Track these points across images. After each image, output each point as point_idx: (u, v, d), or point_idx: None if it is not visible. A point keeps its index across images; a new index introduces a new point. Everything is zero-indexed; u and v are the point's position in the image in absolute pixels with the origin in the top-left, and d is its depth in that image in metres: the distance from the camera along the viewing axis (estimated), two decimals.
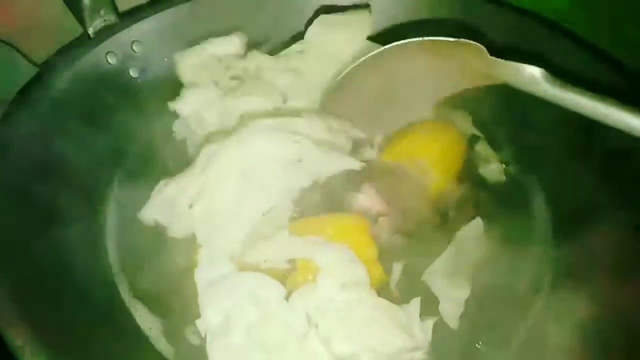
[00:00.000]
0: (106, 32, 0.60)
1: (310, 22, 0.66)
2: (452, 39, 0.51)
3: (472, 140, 0.62)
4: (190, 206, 0.51)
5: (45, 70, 0.59)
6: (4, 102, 0.56)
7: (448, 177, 0.57)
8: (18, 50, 0.64)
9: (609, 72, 0.55)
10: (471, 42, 0.50)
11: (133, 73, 0.63)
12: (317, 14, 0.67)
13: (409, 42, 0.53)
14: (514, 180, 0.60)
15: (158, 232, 0.52)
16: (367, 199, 0.53)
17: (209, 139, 0.56)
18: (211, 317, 0.45)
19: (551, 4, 0.63)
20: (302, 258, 0.47)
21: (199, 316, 0.46)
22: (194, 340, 0.47)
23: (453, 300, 0.49)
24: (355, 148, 0.57)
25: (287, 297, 0.45)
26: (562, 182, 0.56)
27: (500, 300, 0.49)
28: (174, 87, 0.61)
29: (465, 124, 0.63)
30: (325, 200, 0.53)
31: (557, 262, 0.52)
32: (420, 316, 0.47)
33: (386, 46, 0.55)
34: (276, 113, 0.58)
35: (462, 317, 0.49)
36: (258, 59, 0.63)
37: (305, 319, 0.45)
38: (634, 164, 0.50)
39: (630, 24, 0.59)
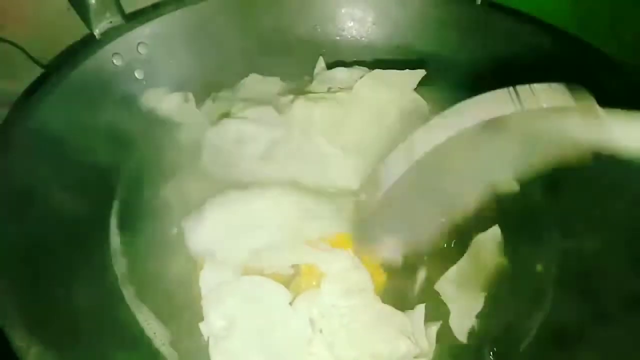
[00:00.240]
0: (112, 33, 0.60)
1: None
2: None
3: None
4: None
5: (50, 71, 0.59)
6: (9, 102, 0.56)
7: None
8: (24, 51, 0.64)
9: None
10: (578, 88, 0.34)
11: (138, 75, 0.63)
12: None
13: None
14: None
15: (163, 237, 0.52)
16: None
17: None
18: (215, 320, 0.45)
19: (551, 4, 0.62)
20: (306, 263, 0.47)
21: (202, 320, 0.46)
22: (198, 344, 0.47)
23: (464, 313, 0.48)
24: None
25: (291, 302, 0.45)
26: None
27: (511, 310, 0.49)
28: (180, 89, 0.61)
29: None
30: None
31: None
32: (425, 322, 0.47)
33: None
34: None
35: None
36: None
37: (309, 324, 0.45)
38: None
39: (625, 23, 0.59)
